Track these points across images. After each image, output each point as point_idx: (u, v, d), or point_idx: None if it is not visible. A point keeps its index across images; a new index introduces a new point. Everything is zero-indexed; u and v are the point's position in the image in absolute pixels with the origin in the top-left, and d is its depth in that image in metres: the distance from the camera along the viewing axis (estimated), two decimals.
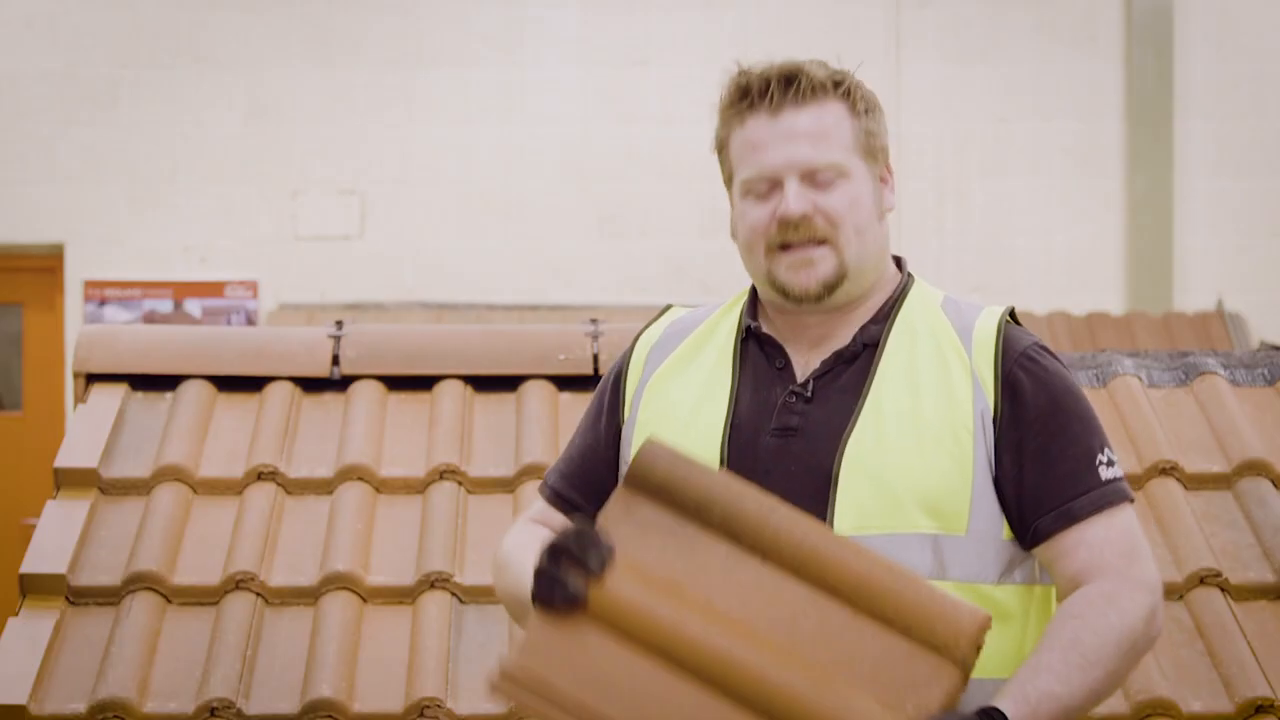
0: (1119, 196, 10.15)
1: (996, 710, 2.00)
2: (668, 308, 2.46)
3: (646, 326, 2.43)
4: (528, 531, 2.34)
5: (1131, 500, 2.25)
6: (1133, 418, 3.66)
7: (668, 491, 2.07)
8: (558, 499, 2.39)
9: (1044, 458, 2.21)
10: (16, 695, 3.02)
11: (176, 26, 9.92)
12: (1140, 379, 3.80)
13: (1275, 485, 3.56)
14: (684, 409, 2.29)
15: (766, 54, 2.35)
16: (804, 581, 2.01)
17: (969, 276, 9.81)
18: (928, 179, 10.04)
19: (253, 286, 9.93)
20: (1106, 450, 2.25)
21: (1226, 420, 3.67)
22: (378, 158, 10.01)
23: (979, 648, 1.98)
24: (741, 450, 2.24)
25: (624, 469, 2.29)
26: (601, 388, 2.42)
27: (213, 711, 3.02)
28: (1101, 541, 2.19)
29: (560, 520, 2.34)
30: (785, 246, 2.26)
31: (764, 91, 2.26)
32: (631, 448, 2.29)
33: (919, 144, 9.97)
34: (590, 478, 2.37)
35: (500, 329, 3.95)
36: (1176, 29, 10.09)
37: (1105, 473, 2.23)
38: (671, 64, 10.08)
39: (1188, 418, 3.72)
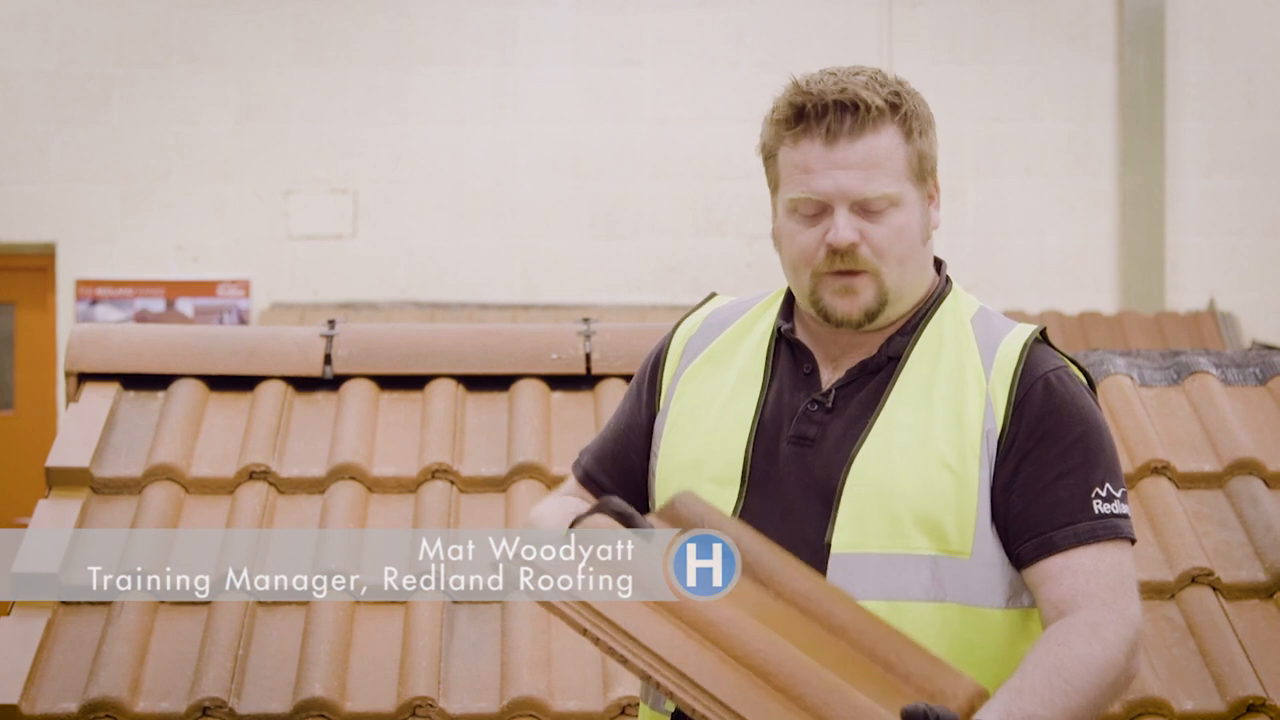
0: (1111, 196, 10.16)
1: None
2: (711, 296, 2.45)
3: (688, 314, 2.42)
4: (556, 501, 2.38)
5: (1130, 541, 2.19)
6: (1125, 417, 3.66)
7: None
8: (588, 479, 2.41)
9: (1036, 484, 2.17)
10: (8, 695, 3.01)
11: (169, 26, 9.91)
12: (1132, 378, 3.81)
13: (1267, 484, 3.56)
14: (715, 406, 2.29)
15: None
16: (809, 617, 2.04)
17: (963, 276, 9.76)
18: None
19: (245, 286, 9.93)
20: (1109, 485, 2.18)
21: (1218, 419, 3.67)
22: (371, 157, 10.01)
23: (972, 711, 1.98)
24: (763, 454, 2.24)
25: (654, 459, 2.33)
26: (640, 373, 2.42)
27: (205, 711, 3.02)
28: (1089, 572, 2.14)
29: (585, 501, 2.36)
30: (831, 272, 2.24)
31: (820, 118, 2.20)
32: (663, 439, 2.31)
33: None
34: (621, 462, 2.39)
35: (492, 328, 3.94)
36: (1169, 29, 10.11)
37: (1100, 507, 2.16)
38: (665, 63, 10.07)
39: (1179, 417, 3.72)
